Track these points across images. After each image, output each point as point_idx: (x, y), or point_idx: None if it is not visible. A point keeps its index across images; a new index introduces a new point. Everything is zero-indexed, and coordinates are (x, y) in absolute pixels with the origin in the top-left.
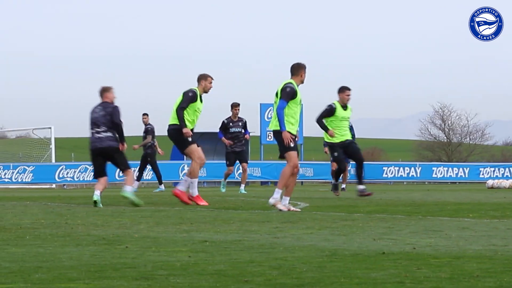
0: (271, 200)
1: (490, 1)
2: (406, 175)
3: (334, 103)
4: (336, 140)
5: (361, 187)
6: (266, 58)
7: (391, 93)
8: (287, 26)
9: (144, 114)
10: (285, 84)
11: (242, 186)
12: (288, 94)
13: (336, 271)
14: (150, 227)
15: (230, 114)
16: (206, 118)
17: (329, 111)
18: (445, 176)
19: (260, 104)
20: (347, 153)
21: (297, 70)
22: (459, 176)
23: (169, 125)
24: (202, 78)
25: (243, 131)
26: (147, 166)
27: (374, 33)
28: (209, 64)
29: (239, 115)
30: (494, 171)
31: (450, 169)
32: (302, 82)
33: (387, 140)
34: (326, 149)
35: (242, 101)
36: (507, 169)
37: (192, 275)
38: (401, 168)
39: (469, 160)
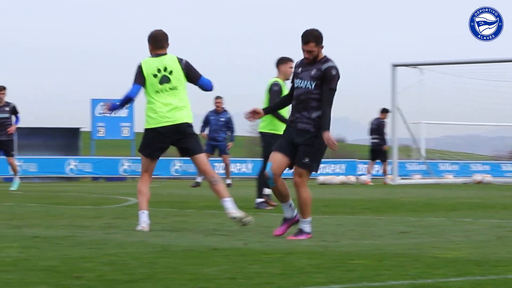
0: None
1: (490, 1)
2: (237, 171)
3: None
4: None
5: None
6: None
7: None
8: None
9: None
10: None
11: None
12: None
13: (168, 267)
14: None
15: None
16: (36, 112)
17: None
18: None
19: (91, 99)
20: None
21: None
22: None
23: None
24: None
25: (9, 116)
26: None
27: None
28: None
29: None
30: (325, 167)
31: None
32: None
33: None
34: None
35: (75, 95)
36: (337, 165)
37: (22, 271)
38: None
39: None
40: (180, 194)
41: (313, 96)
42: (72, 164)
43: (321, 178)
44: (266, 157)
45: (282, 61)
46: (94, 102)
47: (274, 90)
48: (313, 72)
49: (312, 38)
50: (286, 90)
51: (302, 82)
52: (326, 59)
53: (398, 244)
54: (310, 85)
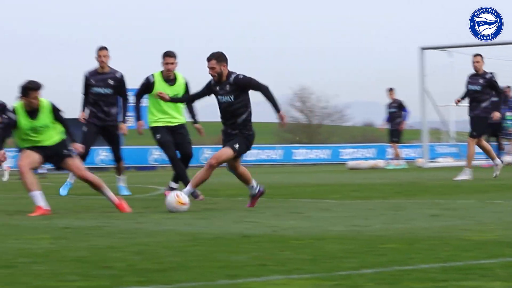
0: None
1: (490, 1)
2: (266, 158)
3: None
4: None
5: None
6: None
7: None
8: None
9: None
10: None
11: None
12: None
13: (198, 255)
14: (11, 214)
15: None
16: None
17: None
18: (306, 158)
19: None
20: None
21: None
22: (320, 157)
23: None
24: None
25: None
26: None
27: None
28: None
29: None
30: (354, 152)
31: (310, 150)
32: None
33: None
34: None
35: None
36: (367, 149)
37: (53, 262)
38: (261, 151)
39: (329, 142)
40: (210, 182)
41: None
42: (102, 155)
43: (350, 163)
44: None
45: None
46: None
47: None
48: None
49: None
50: None
51: None
52: None
53: (429, 228)
54: None
